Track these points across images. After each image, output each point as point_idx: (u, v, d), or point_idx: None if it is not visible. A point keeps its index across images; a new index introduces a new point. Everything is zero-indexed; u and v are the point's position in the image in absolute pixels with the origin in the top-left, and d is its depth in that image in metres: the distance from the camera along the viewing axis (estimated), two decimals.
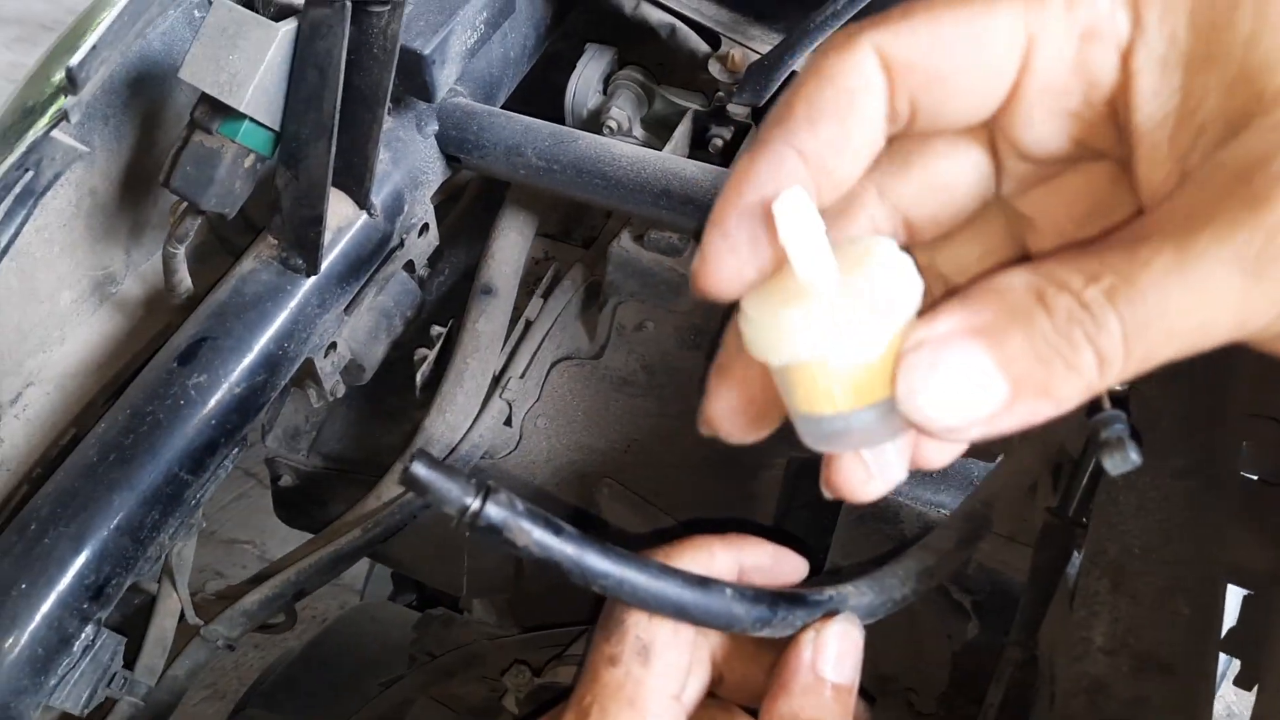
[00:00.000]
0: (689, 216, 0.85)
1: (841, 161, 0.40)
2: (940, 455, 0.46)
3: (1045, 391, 0.35)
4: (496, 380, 0.92)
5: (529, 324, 0.93)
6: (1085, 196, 0.43)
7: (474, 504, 0.47)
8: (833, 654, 0.55)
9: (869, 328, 0.38)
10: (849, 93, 0.39)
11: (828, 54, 0.39)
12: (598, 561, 0.50)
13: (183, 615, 0.82)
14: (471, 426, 0.90)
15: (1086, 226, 0.43)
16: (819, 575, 0.62)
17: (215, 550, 2.10)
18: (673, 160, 0.86)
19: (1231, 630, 0.85)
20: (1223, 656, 0.82)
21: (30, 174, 0.73)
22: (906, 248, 0.43)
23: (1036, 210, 0.44)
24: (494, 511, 0.48)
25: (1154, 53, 0.36)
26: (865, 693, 0.74)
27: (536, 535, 0.49)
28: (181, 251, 0.81)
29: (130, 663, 0.79)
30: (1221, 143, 0.34)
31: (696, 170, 0.85)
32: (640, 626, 0.53)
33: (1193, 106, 0.35)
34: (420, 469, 0.47)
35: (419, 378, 0.92)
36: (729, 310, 0.41)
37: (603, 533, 1.01)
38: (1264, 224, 0.31)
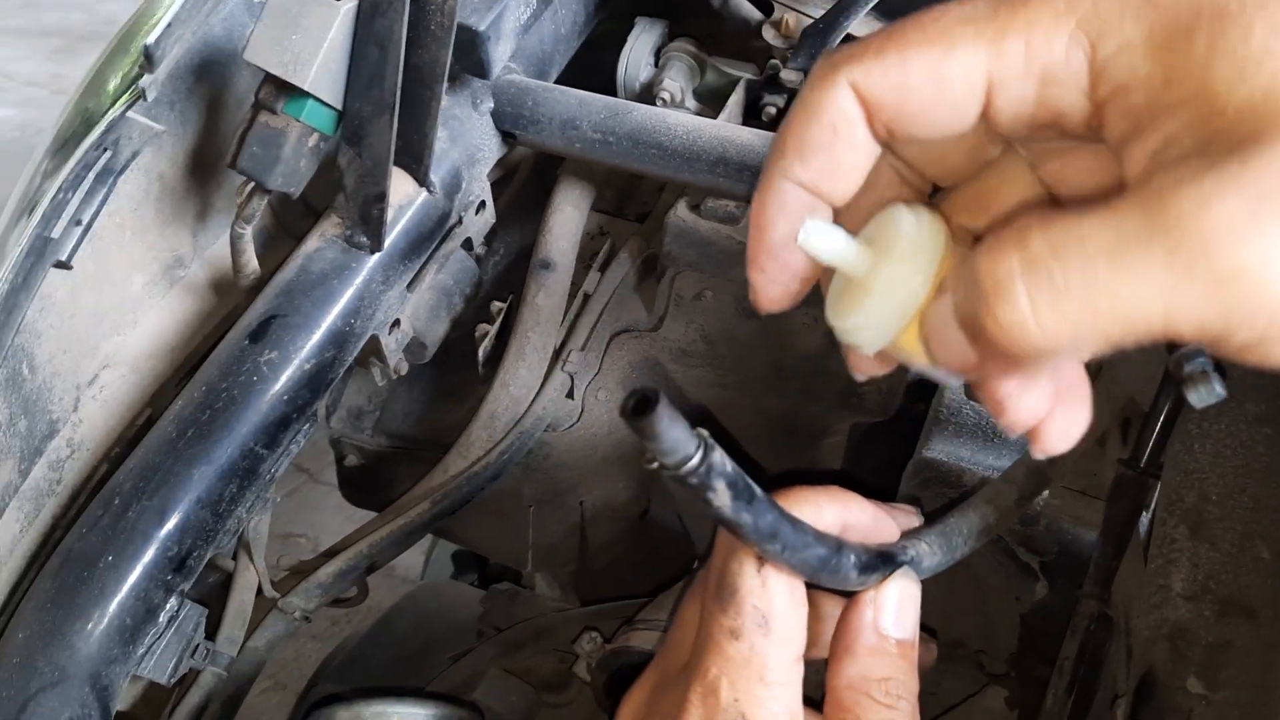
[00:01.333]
0: (745, 183, 0.86)
1: (836, 184, 0.45)
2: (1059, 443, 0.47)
3: (985, 348, 0.38)
4: (557, 354, 0.93)
5: (587, 297, 0.94)
6: (1100, 171, 0.44)
7: (695, 457, 0.44)
8: (893, 610, 0.56)
9: (919, 289, 0.43)
10: (830, 126, 0.43)
11: (811, 89, 0.44)
12: (774, 523, 0.48)
13: (260, 589, 0.83)
14: (534, 400, 0.91)
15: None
16: None
17: (270, 544, 2.13)
18: (727, 128, 0.86)
19: None
20: None
21: (109, 154, 0.75)
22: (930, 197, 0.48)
23: (1057, 180, 0.46)
24: (709, 471, 0.44)
25: (1117, 86, 0.38)
26: (930, 630, 0.74)
27: (729, 499, 0.45)
28: (249, 232, 0.83)
29: (211, 635, 0.80)
30: (1186, 155, 0.35)
31: (752, 137, 0.86)
32: (756, 595, 0.53)
33: (1162, 132, 0.36)
34: (651, 405, 0.43)
35: (481, 353, 0.93)
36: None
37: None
38: (1198, 219, 0.32)
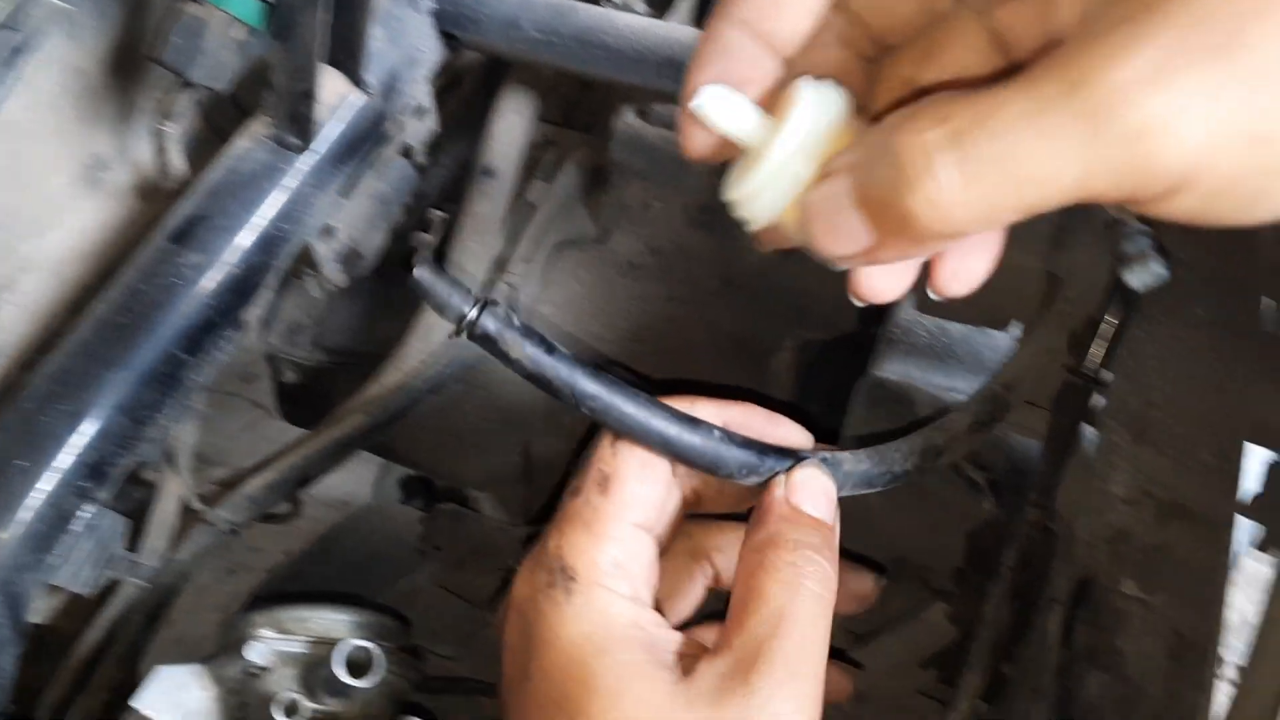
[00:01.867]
0: None
1: (781, 23, 0.44)
2: (952, 285, 0.48)
3: (897, 233, 0.37)
4: (500, 266, 0.90)
5: (531, 207, 0.91)
6: (1045, 19, 0.42)
7: (471, 313, 0.48)
8: (805, 491, 0.55)
9: (802, 169, 0.43)
10: None
11: None
12: (587, 384, 0.50)
13: (186, 502, 0.81)
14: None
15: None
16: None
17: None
18: (676, 28, 0.83)
19: (1257, 496, 0.83)
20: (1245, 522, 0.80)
21: (18, 35, 0.71)
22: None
23: (1008, 29, 0.44)
24: (490, 323, 0.48)
25: None
26: (878, 566, 0.73)
27: (529, 350, 0.49)
28: (173, 129, 0.79)
29: (135, 548, 0.78)
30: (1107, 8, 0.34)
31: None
32: (603, 460, 0.54)
33: None
34: (424, 273, 0.47)
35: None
36: None
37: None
38: (1104, 80, 0.32)
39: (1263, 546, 0.81)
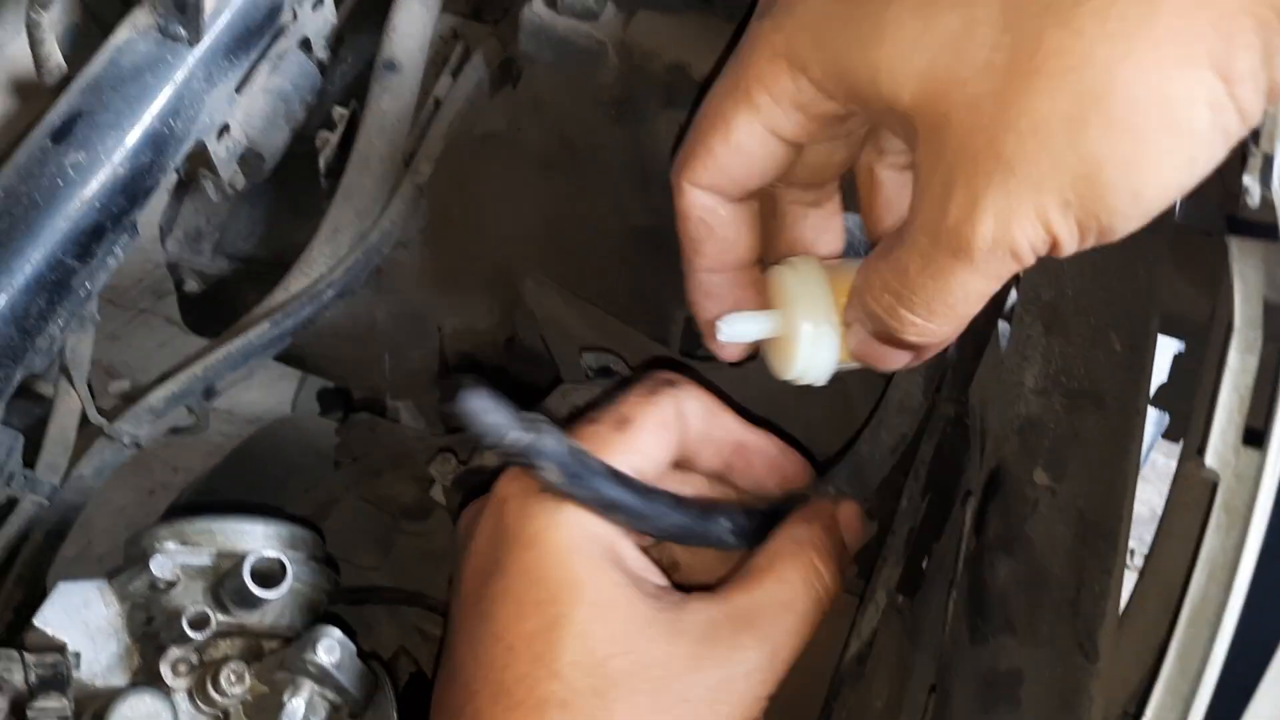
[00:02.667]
0: None
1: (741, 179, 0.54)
2: None
3: (902, 346, 0.53)
4: (407, 164, 0.86)
5: (438, 103, 0.87)
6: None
7: (523, 439, 0.51)
8: (850, 525, 0.65)
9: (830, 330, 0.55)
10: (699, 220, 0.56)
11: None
12: (628, 501, 0.54)
13: (85, 416, 0.78)
14: (381, 213, 0.85)
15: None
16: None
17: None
18: None
19: (1163, 385, 0.85)
20: (1153, 411, 0.81)
21: None
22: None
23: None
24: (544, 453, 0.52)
25: (809, 103, 0.50)
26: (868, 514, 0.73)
27: (600, 487, 0.54)
28: (46, 20, 0.74)
29: (31, 464, 0.75)
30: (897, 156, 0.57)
31: None
32: (628, 404, 0.59)
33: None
34: (473, 401, 0.50)
35: (321, 162, 0.86)
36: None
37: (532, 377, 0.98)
38: (947, 227, 0.44)
39: (1169, 434, 0.83)
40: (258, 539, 0.61)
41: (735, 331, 0.55)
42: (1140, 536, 0.61)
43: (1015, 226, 0.42)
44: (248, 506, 0.68)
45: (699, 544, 0.59)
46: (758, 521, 0.60)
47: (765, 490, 0.64)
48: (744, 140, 0.51)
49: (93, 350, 0.81)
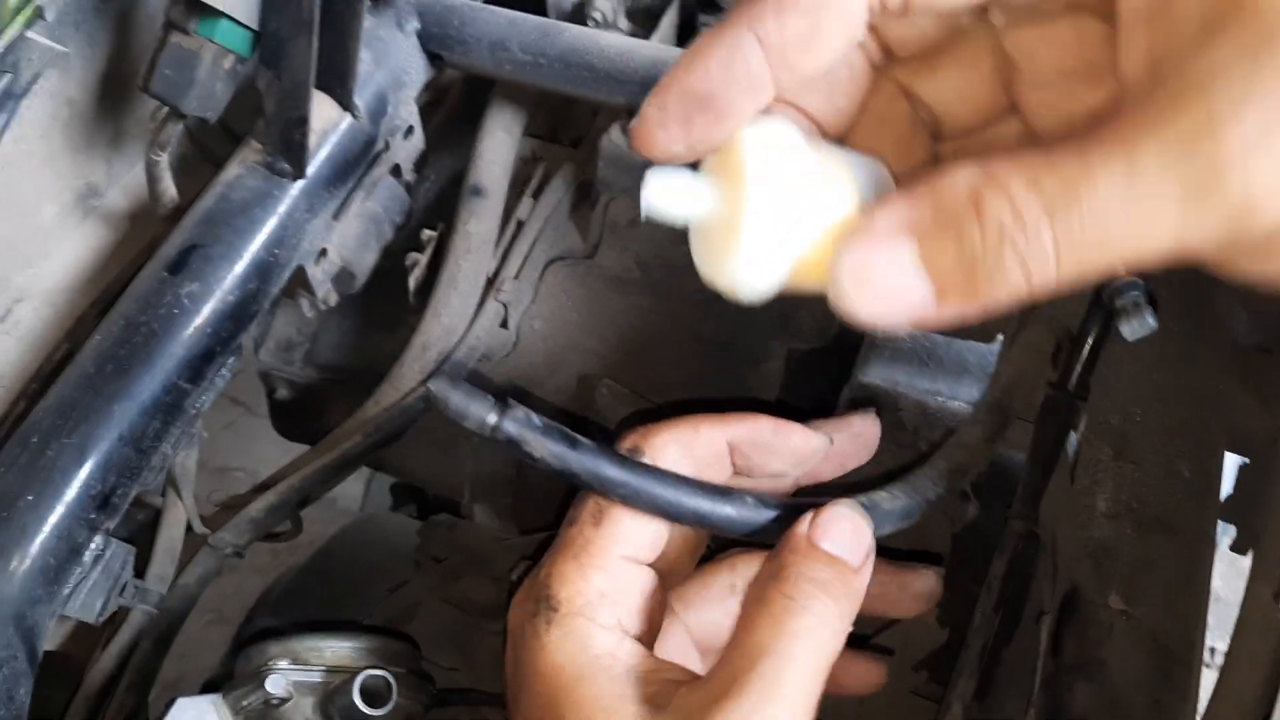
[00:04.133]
0: None
1: (806, 57, 0.39)
2: None
3: (971, 296, 0.36)
4: (490, 282, 0.91)
5: (520, 224, 0.92)
6: (1074, 52, 0.42)
7: (492, 418, 0.52)
8: (830, 529, 0.54)
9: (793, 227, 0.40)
10: None
11: None
12: (613, 471, 0.53)
13: (190, 526, 0.82)
14: (468, 330, 0.89)
15: (1072, 85, 0.42)
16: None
17: (208, 478, 2.10)
18: (661, 49, 0.85)
19: (1228, 497, 0.86)
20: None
21: (8, 77, 0.71)
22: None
23: (1023, 54, 0.43)
24: (511, 426, 0.53)
25: None
26: (933, 557, 0.74)
27: (551, 447, 0.52)
28: (165, 159, 0.80)
29: (141, 573, 0.79)
30: (1194, 42, 0.32)
31: None
32: (600, 497, 0.56)
33: (1165, 24, 0.34)
34: (441, 387, 0.52)
35: (411, 282, 0.91)
36: None
37: (599, 432, 1.01)
38: (1211, 148, 0.31)
39: (1236, 548, 0.84)
40: (363, 655, 0.65)
41: (661, 187, 0.41)
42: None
43: None
44: (341, 622, 0.71)
45: (723, 526, 0.56)
46: (790, 505, 0.57)
47: (783, 471, 0.63)
48: None
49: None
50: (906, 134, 0.47)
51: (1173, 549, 0.64)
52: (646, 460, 0.57)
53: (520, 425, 0.52)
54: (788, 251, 0.40)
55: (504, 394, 0.56)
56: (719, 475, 0.61)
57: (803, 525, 0.54)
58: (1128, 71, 0.36)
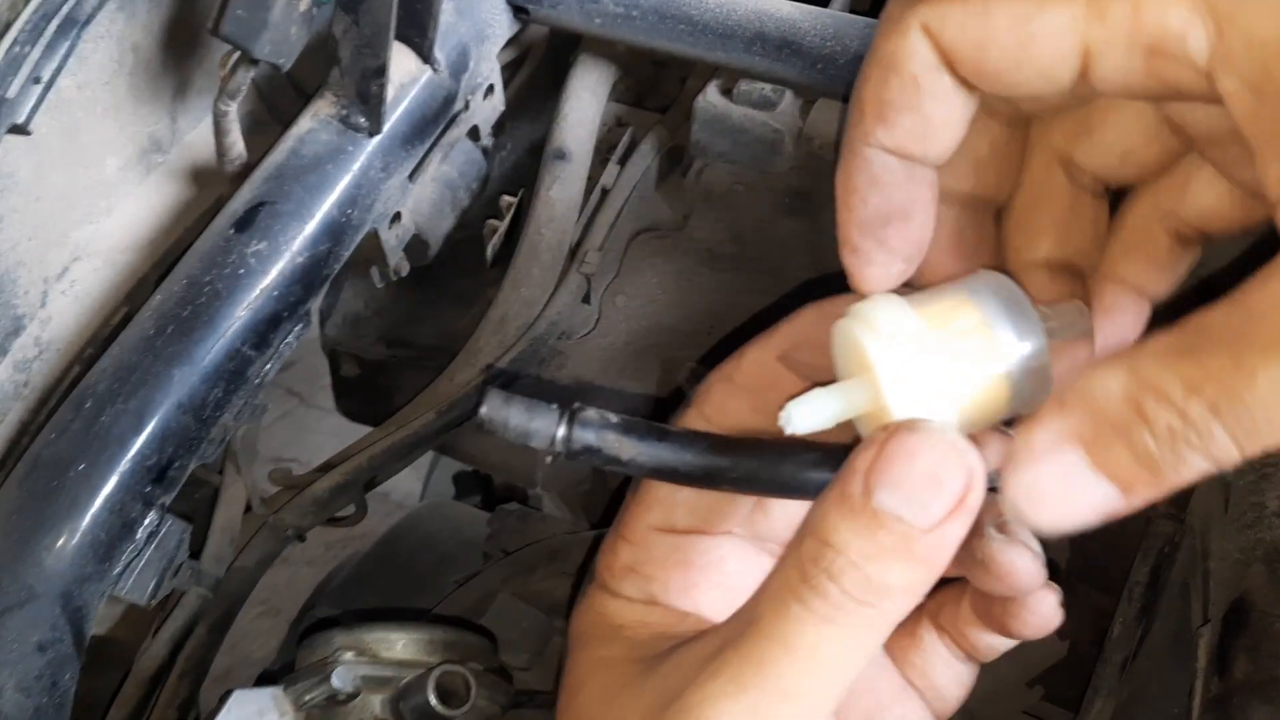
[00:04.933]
0: (787, 64, 0.77)
1: (930, 145, 0.39)
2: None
3: (1159, 485, 0.35)
4: (573, 254, 0.85)
5: (605, 192, 0.86)
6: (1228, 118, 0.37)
7: (562, 430, 0.43)
8: (895, 469, 0.37)
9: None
10: (912, 79, 0.38)
11: (882, 36, 0.38)
12: (720, 460, 0.44)
13: (249, 505, 0.76)
14: (548, 303, 0.83)
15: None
16: None
17: (261, 469, 2.07)
18: (767, 1, 0.78)
19: None
20: None
21: (71, 1, 0.66)
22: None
23: (1185, 120, 0.40)
24: (586, 434, 0.43)
25: (1245, 79, 0.33)
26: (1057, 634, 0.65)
27: (641, 446, 0.44)
28: (234, 109, 0.74)
29: (196, 553, 0.74)
30: None
31: (794, 11, 0.77)
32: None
33: None
34: (495, 407, 0.42)
35: (489, 250, 0.85)
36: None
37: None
38: None
39: None
40: (437, 649, 0.58)
41: (803, 418, 0.40)
42: None
43: None
44: (413, 611, 0.65)
45: (782, 493, 0.46)
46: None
47: None
48: (1045, 32, 0.35)
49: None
50: (1067, 197, 0.45)
51: None
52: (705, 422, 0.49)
53: (597, 430, 0.43)
54: (945, 407, 0.39)
55: (566, 397, 0.48)
56: (783, 395, 0.51)
57: (863, 459, 0.38)
58: (1268, 192, 0.34)
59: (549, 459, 0.44)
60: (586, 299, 0.85)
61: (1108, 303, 0.44)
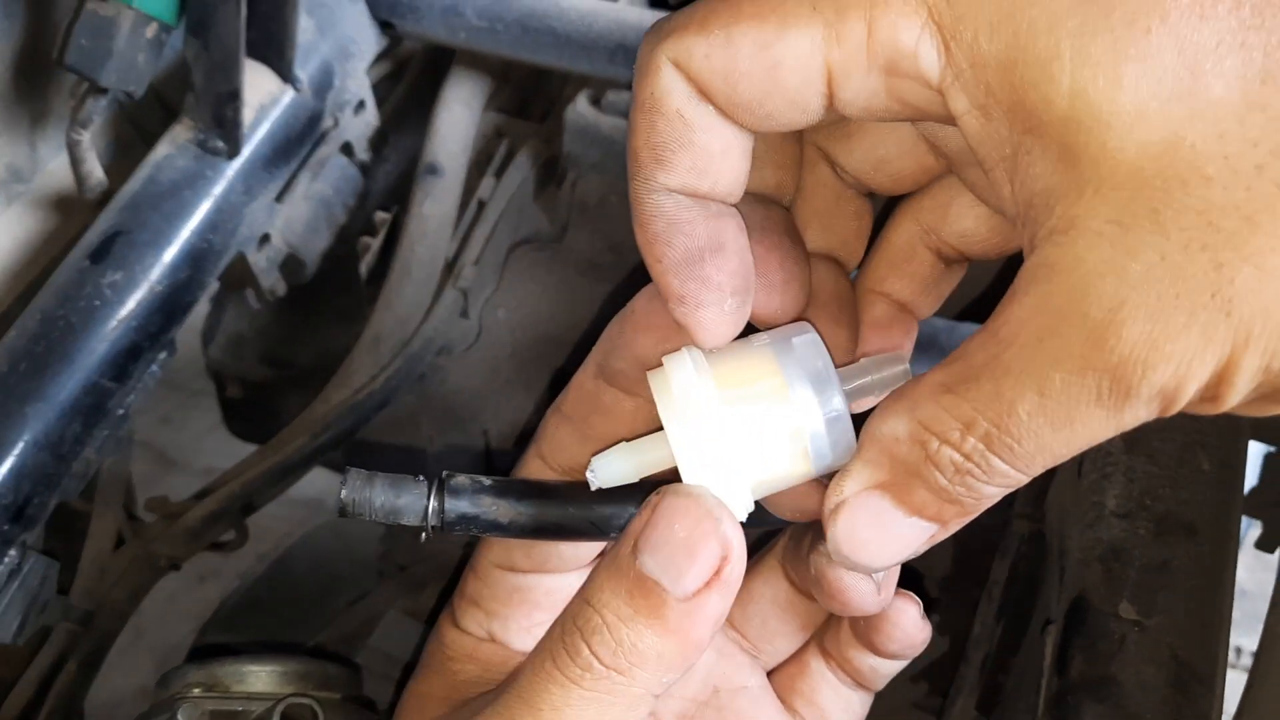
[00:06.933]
0: None
1: (715, 180, 0.38)
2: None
3: (963, 512, 0.37)
4: (450, 268, 0.85)
5: (482, 205, 0.85)
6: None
7: (433, 503, 0.40)
8: (659, 534, 0.38)
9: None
10: (677, 116, 0.36)
11: (639, 85, 0.37)
12: (605, 508, 0.43)
13: (120, 537, 0.76)
14: (424, 320, 0.83)
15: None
16: None
17: (196, 483, 2.05)
18: (627, 10, 0.78)
19: (1253, 490, 0.79)
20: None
21: None
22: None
23: (935, 137, 0.41)
24: (460, 503, 0.41)
25: (972, 99, 0.33)
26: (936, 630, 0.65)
27: (520, 507, 0.42)
28: (87, 138, 0.73)
29: (66, 589, 0.73)
30: (1051, 229, 0.32)
31: (654, 19, 0.77)
32: None
33: (1023, 170, 0.33)
34: (356, 488, 0.40)
35: (363, 269, 0.85)
36: None
37: None
38: (1109, 364, 0.31)
39: (1261, 544, 0.77)
40: (290, 680, 0.58)
41: (608, 472, 0.40)
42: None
43: (1203, 368, 0.31)
44: (277, 644, 0.65)
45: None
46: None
47: None
48: (788, 57, 0.34)
49: (144, 435, 0.79)
50: (834, 196, 0.45)
51: (1191, 551, 0.57)
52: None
53: (471, 496, 0.41)
54: (740, 475, 0.39)
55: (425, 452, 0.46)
56: (605, 418, 0.48)
57: (637, 521, 0.39)
58: (1002, 207, 0.36)
59: (423, 537, 0.41)
60: (465, 313, 0.85)
61: (873, 316, 0.45)
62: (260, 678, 0.58)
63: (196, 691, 0.57)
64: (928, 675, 0.82)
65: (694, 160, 0.37)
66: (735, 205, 0.40)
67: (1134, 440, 0.60)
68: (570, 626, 0.37)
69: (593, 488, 0.40)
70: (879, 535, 0.37)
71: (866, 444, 0.37)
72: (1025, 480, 0.35)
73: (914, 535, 0.37)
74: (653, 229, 0.38)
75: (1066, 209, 0.31)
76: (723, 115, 0.37)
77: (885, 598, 0.47)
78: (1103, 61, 0.30)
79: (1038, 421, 0.33)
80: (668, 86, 0.36)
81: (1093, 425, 0.33)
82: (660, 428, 0.40)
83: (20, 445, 0.66)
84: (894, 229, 0.44)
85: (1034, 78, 0.31)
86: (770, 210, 0.43)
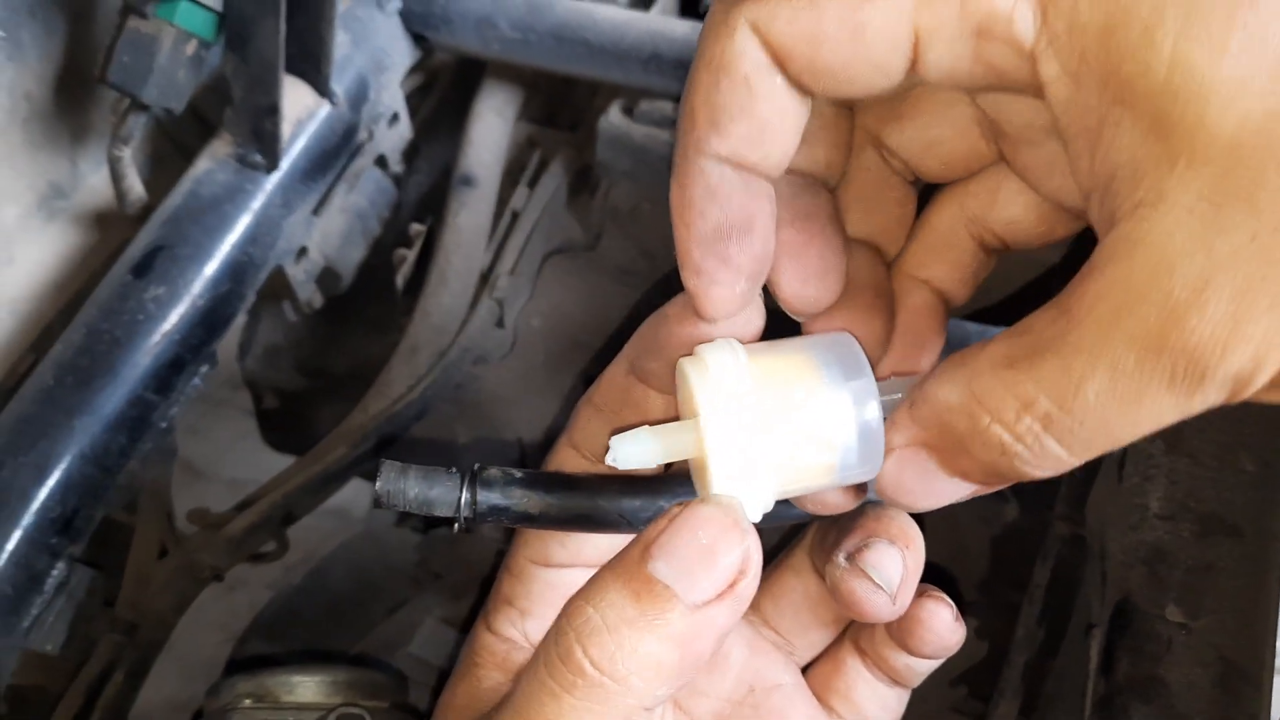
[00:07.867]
0: (682, 82, 0.78)
1: (767, 152, 0.37)
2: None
3: (1006, 480, 0.37)
4: (485, 278, 0.85)
5: (516, 215, 0.86)
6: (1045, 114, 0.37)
7: (465, 494, 0.41)
8: (680, 540, 0.37)
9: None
10: (744, 81, 0.35)
11: (709, 38, 0.36)
12: (632, 502, 0.44)
13: (164, 548, 0.77)
14: (461, 330, 0.83)
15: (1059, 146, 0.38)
16: None
17: (223, 493, 2.06)
18: (659, 20, 0.79)
19: None
20: None
21: None
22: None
23: (1000, 111, 0.40)
24: (491, 495, 0.41)
25: (1065, 65, 0.32)
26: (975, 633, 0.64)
27: (551, 498, 0.42)
28: (128, 154, 0.74)
29: (111, 600, 0.74)
30: (1136, 203, 0.32)
31: (688, 30, 0.78)
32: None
33: (1107, 142, 0.32)
34: (391, 480, 0.41)
35: (399, 280, 0.85)
36: None
37: None
38: (1187, 345, 0.30)
39: None
40: (338, 690, 0.59)
41: (628, 454, 0.39)
42: None
43: (1275, 357, 0.30)
44: (323, 652, 0.65)
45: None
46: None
47: None
48: (875, 19, 0.33)
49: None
50: (879, 182, 0.45)
51: (1236, 552, 0.57)
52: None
53: (503, 487, 0.42)
54: (765, 475, 0.39)
55: (461, 459, 0.47)
56: (635, 411, 0.49)
57: (654, 527, 0.38)
58: (1081, 181, 0.35)
59: (455, 528, 0.42)
60: (500, 323, 0.85)
61: (910, 303, 0.44)
62: (309, 687, 0.59)
63: (247, 703, 0.58)
64: (967, 679, 0.82)
65: (749, 130, 0.37)
66: (776, 185, 0.39)
67: (1175, 441, 0.60)
68: (565, 628, 0.37)
69: (608, 463, 0.40)
70: (923, 486, 0.38)
71: (919, 401, 0.37)
72: (1073, 466, 0.35)
73: (956, 491, 0.38)
74: (691, 193, 0.38)
75: (1155, 182, 0.31)
76: (791, 85, 0.36)
77: (901, 606, 0.46)
78: (1208, 30, 0.29)
79: (1104, 403, 0.32)
80: (741, 48, 0.35)
81: (1159, 409, 0.32)
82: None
83: (67, 459, 0.67)
84: (936, 214, 0.44)
85: (1134, 44, 0.30)
86: (815, 197, 0.43)
